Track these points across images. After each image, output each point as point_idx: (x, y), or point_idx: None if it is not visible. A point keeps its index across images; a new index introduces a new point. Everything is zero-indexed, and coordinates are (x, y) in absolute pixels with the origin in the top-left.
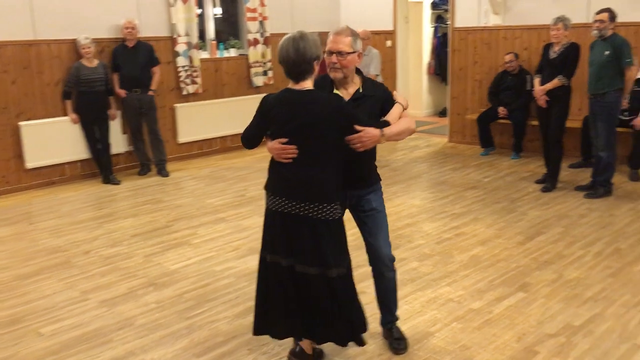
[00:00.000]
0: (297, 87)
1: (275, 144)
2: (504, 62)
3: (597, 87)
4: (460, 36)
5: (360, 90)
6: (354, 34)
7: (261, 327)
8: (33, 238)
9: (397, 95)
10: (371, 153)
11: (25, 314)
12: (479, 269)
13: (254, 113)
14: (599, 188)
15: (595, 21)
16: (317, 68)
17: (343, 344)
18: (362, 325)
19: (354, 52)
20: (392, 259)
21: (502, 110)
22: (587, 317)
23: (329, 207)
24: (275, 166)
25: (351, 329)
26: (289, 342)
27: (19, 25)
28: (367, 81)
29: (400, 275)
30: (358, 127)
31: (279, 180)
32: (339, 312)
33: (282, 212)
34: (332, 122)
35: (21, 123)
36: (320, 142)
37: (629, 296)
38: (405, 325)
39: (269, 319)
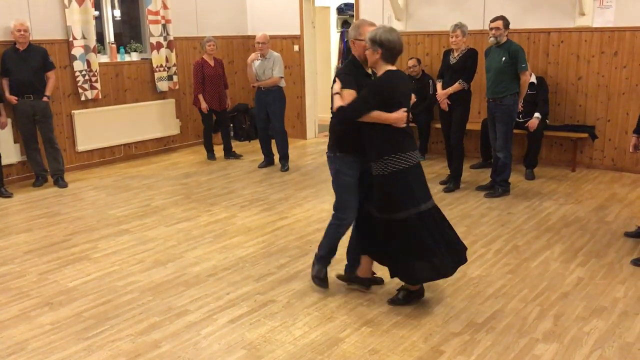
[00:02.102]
0: (394, 67)
1: (400, 113)
2: (407, 67)
3: (496, 92)
4: None
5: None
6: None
7: (442, 270)
8: None
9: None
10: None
11: None
12: (385, 270)
13: (159, 118)
14: (497, 188)
15: (491, 28)
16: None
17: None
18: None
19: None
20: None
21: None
22: (488, 313)
23: None
24: (396, 131)
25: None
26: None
27: None
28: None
29: (310, 282)
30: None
31: (407, 138)
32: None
33: (419, 162)
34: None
35: None
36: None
37: (527, 291)
38: (315, 332)
39: (441, 261)
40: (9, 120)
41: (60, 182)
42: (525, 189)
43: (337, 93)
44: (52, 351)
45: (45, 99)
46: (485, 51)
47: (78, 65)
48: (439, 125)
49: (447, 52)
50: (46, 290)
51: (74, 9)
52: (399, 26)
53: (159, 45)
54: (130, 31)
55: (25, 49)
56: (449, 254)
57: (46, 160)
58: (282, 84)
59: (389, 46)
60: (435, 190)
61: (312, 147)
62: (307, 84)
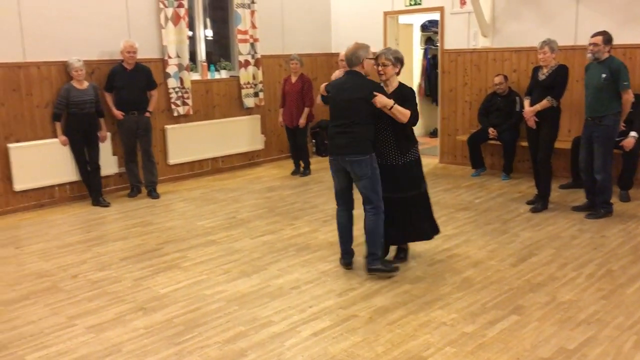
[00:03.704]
0: None
1: None
2: (494, 84)
3: (595, 110)
4: (450, 58)
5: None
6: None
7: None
8: (20, 262)
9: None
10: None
11: (11, 340)
12: (472, 291)
13: (245, 133)
14: (599, 209)
15: (590, 44)
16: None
17: None
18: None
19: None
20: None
21: (492, 132)
22: (580, 340)
23: None
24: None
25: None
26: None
27: (9, 47)
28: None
29: (392, 299)
30: None
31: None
32: None
33: None
34: None
35: (10, 145)
36: None
37: (622, 318)
38: (398, 349)
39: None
40: (108, 134)
41: (153, 194)
42: (620, 211)
43: (394, 104)
44: (145, 354)
45: (147, 114)
46: (585, 67)
47: (172, 83)
48: (525, 144)
49: (536, 69)
50: (140, 295)
51: (169, 29)
52: (485, 42)
53: (246, 63)
54: (220, 50)
55: (133, 68)
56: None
57: (142, 172)
58: None
59: (403, 63)
60: (522, 210)
61: None
62: None
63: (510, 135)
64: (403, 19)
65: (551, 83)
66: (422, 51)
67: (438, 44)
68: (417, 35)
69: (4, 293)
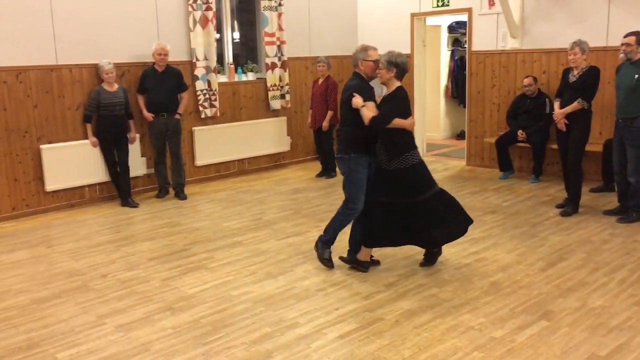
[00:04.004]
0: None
1: (412, 119)
2: (523, 86)
3: (627, 112)
4: (478, 59)
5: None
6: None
7: (454, 235)
8: (51, 261)
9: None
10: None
11: (43, 338)
12: (500, 296)
13: (271, 135)
14: (631, 213)
15: (622, 44)
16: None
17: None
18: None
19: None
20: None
21: (520, 134)
22: (612, 347)
23: None
24: (406, 133)
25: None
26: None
27: (42, 50)
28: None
29: (419, 302)
30: None
31: (414, 140)
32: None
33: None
34: None
35: (42, 146)
36: None
37: None
38: (425, 353)
39: (453, 227)
40: (137, 136)
41: (180, 195)
42: None
43: (363, 105)
44: (173, 354)
45: (177, 116)
46: (616, 68)
47: (200, 85)
48: (554, 146)
49: (567, 71)
50: (168, 295)
51: (198, 32)
52: (514, 44)
53: (273, 66)
54: (247, 52)
55: (163, 70)
56: (457, 221)
57: (170, 173)
58: None
59: (403, 67)
60: (551, 213)
61: None
62: (416, 103)
63: (540, 137)
64: (430, 20)
65: (582, 85)
66: (449, 53)
67: (465, 46)
68: (444, 37)
69: (37, 291)
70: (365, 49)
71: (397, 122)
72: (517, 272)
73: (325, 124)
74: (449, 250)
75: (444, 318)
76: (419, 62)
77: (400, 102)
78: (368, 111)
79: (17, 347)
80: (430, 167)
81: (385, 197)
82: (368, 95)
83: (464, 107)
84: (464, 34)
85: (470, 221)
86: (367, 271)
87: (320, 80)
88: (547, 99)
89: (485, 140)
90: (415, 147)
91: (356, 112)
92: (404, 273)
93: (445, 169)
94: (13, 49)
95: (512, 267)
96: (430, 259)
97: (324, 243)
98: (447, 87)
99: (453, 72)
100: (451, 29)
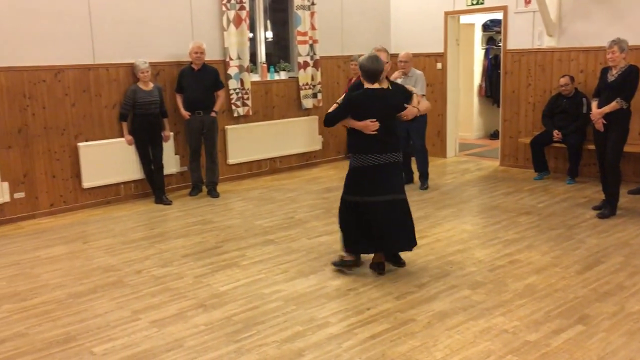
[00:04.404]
0: (376, 86)
1: (365, 122)
2: (559, 85)
3: None
4: (513, 58)
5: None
6: (385, 51)
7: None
8: (87, 256)
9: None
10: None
11: (79, 332)
12: (535, 298)
13: (303, 134)
14: None
15: None
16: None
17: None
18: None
19: (386, 62)
20: None
21: (556, 134)
22: None
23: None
24: (364, 136)
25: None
26: None
27: (80, 50)
28: (392, 84)
29: (451, 304)
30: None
31: (374, 143)
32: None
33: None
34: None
35: (79, 144)
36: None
37: None
38: (457, 355)
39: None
40: (172, 134)
41: (213, 193)
42: None
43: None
44: (205, 350)
45: (213, 114)
46: None
47: (233, 84)
48: (591, 146)
49: (605, 70)
50: (200, 292)
51: (231, 32)
52: (550, 42)
53: (305, 65)
54: (279, 51)
55: (200, 69)
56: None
57: (204, 171)
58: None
59: (363, 69)
60: (588, 215)
61: (452, 165)
62: (449, 102)
63: (576, 138)
64: (464, 18)
65: (620, 84)
66: (483, 51)
67: (500, 44)
68: (478, 35)
69: (73, 286)
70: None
71: (350, 122)
72: (552, 275)
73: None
74: (482, 252)
75: (476, 320)
76: (452, 61)
77: (349, 102)
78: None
79: (54, 341)
80: (462, 167)
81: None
82: (346, 96)
83: (498, 106)
84: (499, 32)
85: (414, 244)
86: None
87: (354, 79)
88: (584, 99)
89: (519, 140)
90: (366, 152)
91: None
92: (436, 274)
93: (478, 169)
94: (52, 49)
95: (547, 270)
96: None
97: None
98: (480, 86)
99: (487, 71)
100: (485, 27)
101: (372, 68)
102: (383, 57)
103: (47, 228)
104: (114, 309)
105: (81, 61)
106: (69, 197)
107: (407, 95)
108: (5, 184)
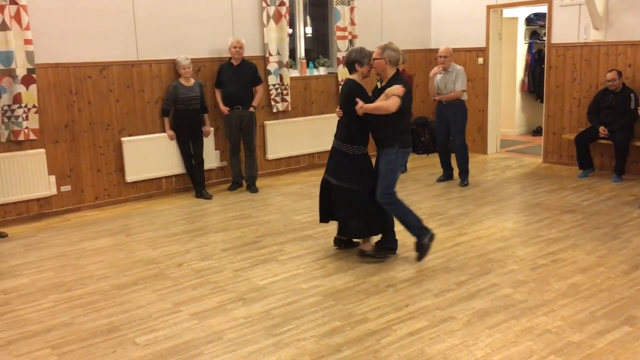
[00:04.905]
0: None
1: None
2: (606, 80)
3: None
4: (558, 52)
5: (379, 86)
6: (383, 47)
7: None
8: (130, 249)
9: (395, 88)
10: (381, 121)
11: (122, 322)
12: (579, 298)
13: None
14: None
15: None
16: (361, 69)
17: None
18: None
19: (381, 59)
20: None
21: (602, 130)
22: None
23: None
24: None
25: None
26: None
27: (124, 46)
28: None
29: (492, 302)
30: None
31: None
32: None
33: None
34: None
35: (123, 139)
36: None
37: None
38: (498, 355)
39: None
40: (212, 130)
41: (252, 188)
42: None
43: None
44: (245, 343)
45: (251, 109)
46: None
47: (272, 80)
48: (639, 143)
49: None
50: (240, 286)
51: (271, 27)
52: (597, 36)
53: (345, 60)
54: (319, 47)
55: (239, 64)
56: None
57: (243, 166)
58: (464, 97)
59: (351, 65)
60: (635, 214)
61: (493, 162)
62: (490, 98)
63: (623, 134)
64: (507, 12)
65: None
66: (526, 46)
67: (544, 38)
68: (521, 29)
69: (117, 278)
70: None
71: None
72: (597, 275)
73: None
74: (524, 250)
75: (518, 320)
76: (494, 56)
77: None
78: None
79: (98, 331)
80: (503, 163)
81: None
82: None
83: (541, 102)
84: (543, 26)
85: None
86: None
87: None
88: (632, 94)
89: (563, 136)
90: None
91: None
92: (476, 272)
93: (520, 165)
94: (98, 46)
95: (592, 269)
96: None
97: (419, 235)
98: (523, 81)
99: (530, 65)
100: (529, 21)
101: (350, 58)
102: (377, 51)
103: (92, 221)
104: (155, 301)
105: (125, 57)
106: (113, 190)
107: (348, 93)
108: (53, 178)
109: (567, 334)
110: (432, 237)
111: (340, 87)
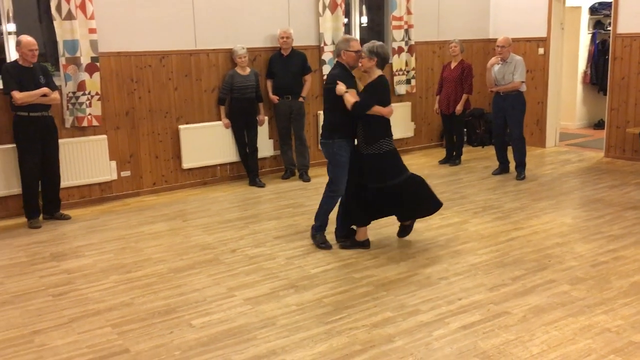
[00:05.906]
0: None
1: (391, 107)
2: None
3: None
4: (624, 43)
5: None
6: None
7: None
8: (186, 234)
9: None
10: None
11: (179, 305)
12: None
13: (395, 120)
14: None
15: None
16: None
17: None
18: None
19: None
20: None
21: None
22: None
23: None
24: (384, 121)
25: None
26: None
27: (183, 36)
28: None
29: (548, 299)
30: None
31: (389, 128)
32: None
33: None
34: None
35: (180, 126)
36: None
37: None
38: (555, 352)
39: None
40: (266, 119)
41: (304, 176)
42: None
43: (346, 92)
44: (297, 330)
45: (300, 99)
46: None
47: (326, 70)
48: None
49: None
50: (292, 273)
51: (327, 17)
52: None
53: (400, 50)
54: (374, 37)
55: (288, 54)
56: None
57: (295, 155)
58: (523, 88)
59: (384, 57)
60: None
61: (551, 156)
62: (550, 89)
63: None
64: (570, 1)
65: None
66: (589, 36)
67: (609, 28)
68: (584, 19)
69: (174, 261)
70: (347, 40)
71: (377, 109)
72: None
73: (459, 108)
74: (583, 247)
75: (576, 317)
76: (555, 46)
77: (380, 90)
78: (351, 97)
79: (156, 312)
80: (562, 157)
81: (361, 179)
82: (350, 83)
83: (604, 94)
84: (608, 15)
85: (439, 204)
86: (369, 248)
87: (453, 64)
88: None
89: (628, 130)
90: (390, 135)
91: (340, 98)
92: (532, 267)
93: (580, 160)
94: (158, 35)
95: None
96: (403, 231)
97: (317, 229)
98: (585, 72)
99: (593, 56)
100: (593, 10)
101: (388, 55)
102: (359, 46)
103: (150, 205)
104: (210, 285)
105: (184, 47)
106: (170, 177)
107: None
108: (114, 163)
109: (628, 333)
110: (326, 245)
111: (392, 77)
